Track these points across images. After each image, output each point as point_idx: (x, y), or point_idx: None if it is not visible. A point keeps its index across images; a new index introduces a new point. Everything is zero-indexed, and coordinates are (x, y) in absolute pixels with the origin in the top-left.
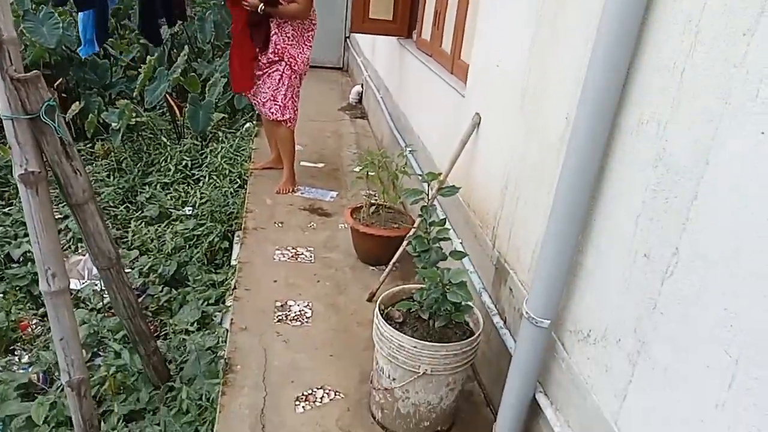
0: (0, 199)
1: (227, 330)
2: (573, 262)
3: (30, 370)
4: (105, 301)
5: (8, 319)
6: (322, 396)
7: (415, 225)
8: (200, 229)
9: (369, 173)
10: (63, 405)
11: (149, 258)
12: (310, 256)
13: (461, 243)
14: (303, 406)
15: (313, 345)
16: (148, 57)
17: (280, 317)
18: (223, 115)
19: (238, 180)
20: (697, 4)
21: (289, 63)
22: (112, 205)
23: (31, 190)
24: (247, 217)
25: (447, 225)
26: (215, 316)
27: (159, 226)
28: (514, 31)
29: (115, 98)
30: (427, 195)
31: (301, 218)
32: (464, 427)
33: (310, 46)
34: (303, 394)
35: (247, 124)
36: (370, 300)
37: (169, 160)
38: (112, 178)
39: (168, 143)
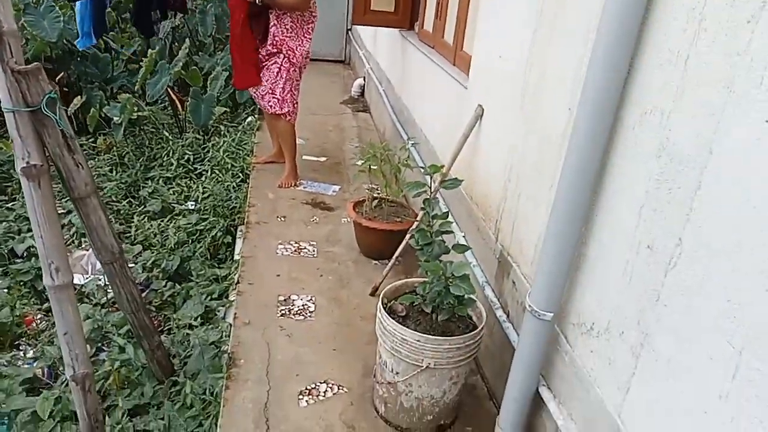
0: (3, 194)
1: (230, 324)
2: (575, 255)
3: (35, 364)
4: (109, 296)
5: (13, 314)
6: (326, 390)
7: (418, 218)
8: (203, 223)
9: (371, 167)
10: (68, 399)
11: (152, 253)
12: (313, 251)
13: (464, 236)
14: (306, 400)
15: (317, 339)
16: (150, 51)
17: (283, 311)
18: (225, 108)
19: (240, 174)
20: None
21: (287, 55)
22: (115, 199)
23: (33, 183)
24: (249, 211)
25: (450, 218)
26: (218, 311)
27: (162, 221)
28: (514, 31)
29: (117, 92)
30: (430, 188)
31: (304, 212)
32: (467, 420)
33: (310, 39)
34: (306, 388)
35: (249, 118)
36: (373, 294)
37: (171, 155)
38: (114, 172)
39: (170, 137)
